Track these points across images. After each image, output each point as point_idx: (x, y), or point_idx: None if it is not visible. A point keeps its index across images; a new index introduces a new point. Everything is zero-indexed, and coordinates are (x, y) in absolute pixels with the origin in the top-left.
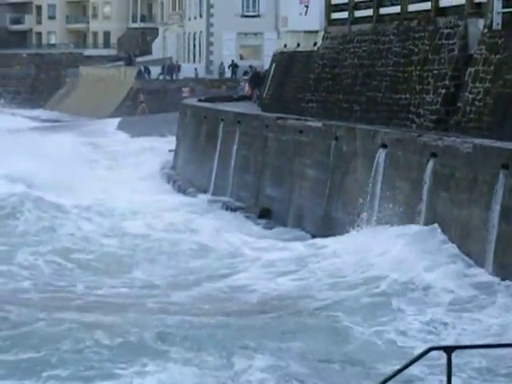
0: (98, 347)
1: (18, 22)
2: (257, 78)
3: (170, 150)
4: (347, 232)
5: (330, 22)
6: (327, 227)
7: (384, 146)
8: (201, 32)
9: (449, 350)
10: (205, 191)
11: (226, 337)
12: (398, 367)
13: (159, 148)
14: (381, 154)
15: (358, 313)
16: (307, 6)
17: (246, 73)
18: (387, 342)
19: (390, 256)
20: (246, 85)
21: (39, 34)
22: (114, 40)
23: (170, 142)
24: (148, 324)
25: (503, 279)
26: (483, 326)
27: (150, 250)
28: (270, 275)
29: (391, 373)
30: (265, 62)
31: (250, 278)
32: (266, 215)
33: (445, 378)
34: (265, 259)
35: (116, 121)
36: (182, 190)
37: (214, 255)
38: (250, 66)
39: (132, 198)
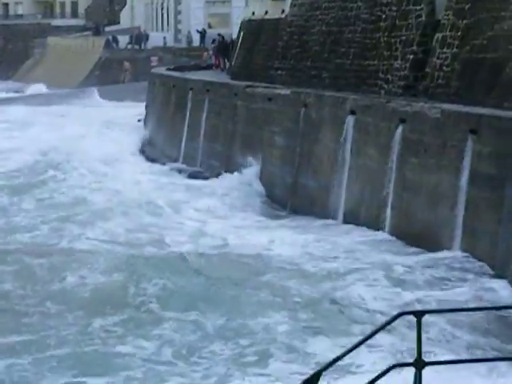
0: None
1: None
2: (223, 47)
3: (138, 120)
4: None
5: None
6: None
7: (353, 112)
8: (169, 0)
9: (419, 314)
10: (175, 160)
11: None
12: (367, 333)
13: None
14: (349, 121)
15: None
16: None
17: (213, 41)
18: None
19: None
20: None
21: (6, 4)
22: (81, 10)
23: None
24: None
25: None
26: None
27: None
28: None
29: (361, 338)
30: (233, 31)
31: None
32: None
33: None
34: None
35: (94, 90)
36: (150, 159)
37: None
38: (219, 34)
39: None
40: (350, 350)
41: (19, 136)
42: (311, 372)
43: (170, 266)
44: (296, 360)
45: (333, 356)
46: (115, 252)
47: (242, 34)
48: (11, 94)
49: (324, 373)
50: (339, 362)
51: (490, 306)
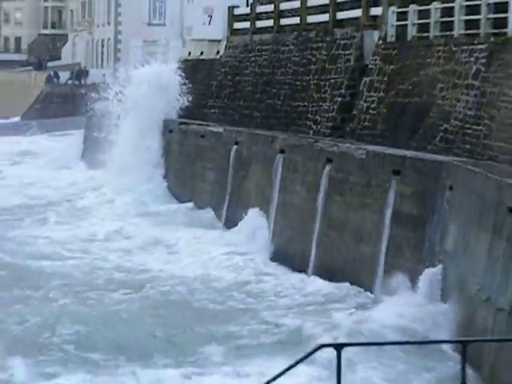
0: None
1: None
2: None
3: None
4: None
5: (233, 31)
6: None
7: (282, 151)
8: (109, 39)
9: (339, 347)
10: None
11: None
12: (287, 365)
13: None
14: (279, 159)
15: None
16: (211, 16)
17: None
18: None
19: None
20: None
21: None
22: (24, 45)
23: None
24: None
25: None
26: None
27: None
28: None
29: (281, 370)
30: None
31: None
32: None
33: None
34: None
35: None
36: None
37: None
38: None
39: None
40: (274, 379)
41: None
42: None
43: None
44: None
45: None
46: None
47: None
48: None
49: None
50: None
51: (410, 340)
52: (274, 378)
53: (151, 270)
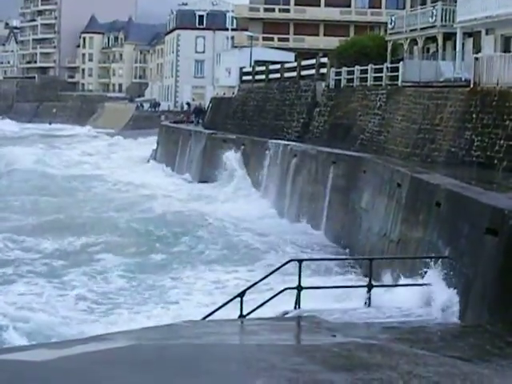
0: None
1: (71, 77)
2: (199, 110)
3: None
4: None
5: (242, 81)
6: None
7: (268, 149)
8: (171, 85)
9: (300, 260)
10: (172, 169)
11: None
12: (260, 276)
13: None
14: (267, 154)
15: None
16: (229, 72)
17: (188, 106)
18: None
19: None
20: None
21: (83, 84)
22: (124, 88)
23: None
24: None
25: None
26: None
27: None
28: None
29: (255, 280)
30: (206, 102)
31: None
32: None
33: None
34: None
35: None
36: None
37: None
38: (188, 104)
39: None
40: (261, 280)
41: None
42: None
43: None
44: None
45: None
46: None
47: (210, 104)
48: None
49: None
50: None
51: (349, 257)
52: (254, 285)
53: None
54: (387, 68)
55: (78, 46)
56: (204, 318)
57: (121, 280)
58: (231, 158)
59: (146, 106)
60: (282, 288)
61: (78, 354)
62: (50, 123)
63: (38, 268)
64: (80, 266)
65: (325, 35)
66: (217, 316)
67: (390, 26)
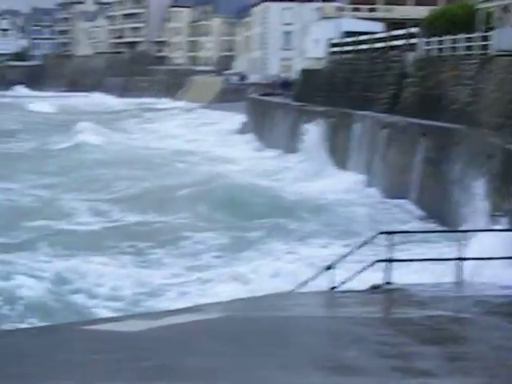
0: None
1: (160, 51)
2: (285, 83)
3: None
4: None
5: (330, 53)
6: None
7: (356, 121)
8: (259, 57)
9: (391, 233)
10: (260, 142)
11: None
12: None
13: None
14: (356, 126)
15: None
16: (317, 44)
17: (277, 79)
18: None
19: None
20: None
21: (171, 58)
22: (212, 61)
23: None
24: None
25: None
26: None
27: None
28: None
29: (345, 253)
30: (294, 74)
31: None
32: None
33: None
34: None
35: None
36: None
37: None
38: (276, 76)
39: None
40: (351, 253)
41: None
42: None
43: None
44: None
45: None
46: None
47: (298, 76)
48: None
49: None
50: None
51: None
52: (344, 257)
53: None
54: (479, 37)
55: (167, 21)
56: (294, 289)
57: (211, 254)
58: (319, 130)
59: (234, 78)
60: (373, 261)
61: (170, 324)
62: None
63: (122, 242)
64: (167, 242)
65: (414, 5)
66: (307, 288)
67: None
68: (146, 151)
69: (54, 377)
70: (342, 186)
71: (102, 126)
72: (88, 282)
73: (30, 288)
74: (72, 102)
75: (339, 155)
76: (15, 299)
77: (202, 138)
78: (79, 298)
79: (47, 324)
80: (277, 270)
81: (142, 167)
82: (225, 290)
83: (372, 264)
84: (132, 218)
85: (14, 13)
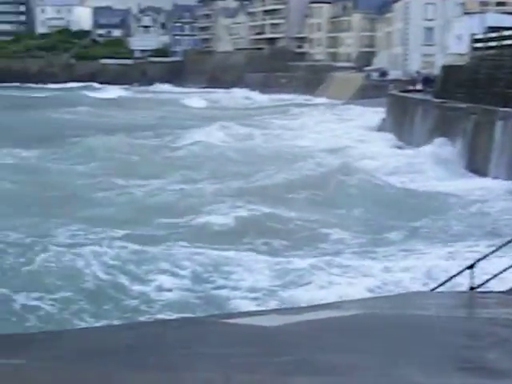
0: None
1: (300, 47)
2: (426, 79)
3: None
4: None
5: (473, 48)
6: None
7: (501, 119)
8: (400, 54)
9: None
10: (398, 137)
11: None
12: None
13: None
14: (499, 123)
15: None
16: (460, 39)
17: (418, 75)
18: None
19: None
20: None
21: (312, 54)
22: (352, 58)
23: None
24: None
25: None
26: None
27: None
28: None
29: (486, 252)
30: (436, 70)
31: None
32: None
33: None
34: None
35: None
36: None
37: None
38: (418, 73)
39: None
40: (497, 249)
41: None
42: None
43: None
44: None
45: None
46: None
47: (440, 72)
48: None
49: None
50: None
51: None
52: (485, 256)
53: None
54: None
55: (307, 16)
56: (433, 289)
57: (351, 250)
58: (460, 127)
59: (375, 75)
60: None
61: (309, 320)
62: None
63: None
64: (304, 238)
65: None
66: (445, 288)
67: None
68: (290, 148)
69: (194, 369)
70: (490, 186)
71: (247, 122)
72: (228, 278)
73: (169, 283)
74: (218, 96)
75: (480, 155)
76: (154, 296)
77: (342, 134)
78: (219, 293)
79: (188, 316)
80: (416, 269)
81: (283, 161)
82: (359, 288)
83: None
84: (266, 209)
85: (155, 10)
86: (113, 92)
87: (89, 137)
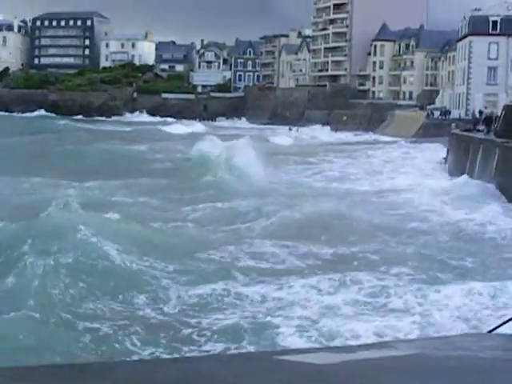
0: None
1: (362, 85)
2: (488, 119)
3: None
4: None
5: None
6: None
7: None
8: (462, 93)
9: None
10: (461, 173)
11: None
12: None
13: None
14: None
15: None
16: None
17: (481, 115)
18: None
19: None
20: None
21: (373, 92)
22: (414, 96)
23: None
24: None
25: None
26: None
27: None
28: None
29: None
30: (498, 110)
31: None
32: None
33: None
34: None
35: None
36: (449, 172)
37: None
38: (480, 112)
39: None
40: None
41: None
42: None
43: None
44: None
45: None
46: None
47: (503, 112)
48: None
49: None
50: None
51: None
52: None
53: None
54: None
55: (369, 54)
56: (490, 331)
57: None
58: None
59: (437, 113)
60: None
61: (360, 359)
62: (335, 130)
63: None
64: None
65: None
66: (502, 330)
67: None
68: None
69: None
70: None
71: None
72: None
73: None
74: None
75: None
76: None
77: (404, 171)
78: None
79: (239, 351)
80: (466, 311)
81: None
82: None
83: None
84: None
85: (218, 45)
86: (187, 128)
87: None
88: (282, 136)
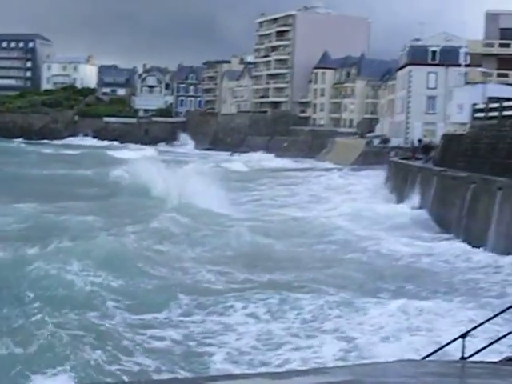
0: None
1: (303, 112)
2: (426, 147)
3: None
4: None
5: (474, 118)
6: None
7: (499, 188)
8: (402, 121)
9: None
10: (399, 201)
11: None
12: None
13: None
14: (498, 194)
15: None
16: (461, 109)
17: (419, 143)
18: None
19: None
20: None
21: (314, 119)
22: (355, 123)
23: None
24: None
25: None
26: None
27: None
28: None
29: (497, 312)
30: (437, 139)
31: None
32: None
33: None
34: None
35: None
36: (387, 200)
37: None
38: (419, 140)
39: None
40: (488, 320)
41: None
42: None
43: None
44: None
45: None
46: None
47: (441, 141)
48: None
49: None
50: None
51: None
52: (491, 318)
53: None
54: None
55: (310, 82)
56: (424, 357)
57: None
58: (459, 195)
59: (376, 141)
60: (508, 331)
61: None
62: (280, 157)
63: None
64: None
65: None
66: (436, 356)
67: None
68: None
69: None
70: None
71: None
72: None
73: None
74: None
75: (478, 224)
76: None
77: (340, 200)
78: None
79: (170, 377)
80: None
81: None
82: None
83: (507, 334)
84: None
85: (161, 70)
86: (133, 153)
87: None
88: (236, 162)
